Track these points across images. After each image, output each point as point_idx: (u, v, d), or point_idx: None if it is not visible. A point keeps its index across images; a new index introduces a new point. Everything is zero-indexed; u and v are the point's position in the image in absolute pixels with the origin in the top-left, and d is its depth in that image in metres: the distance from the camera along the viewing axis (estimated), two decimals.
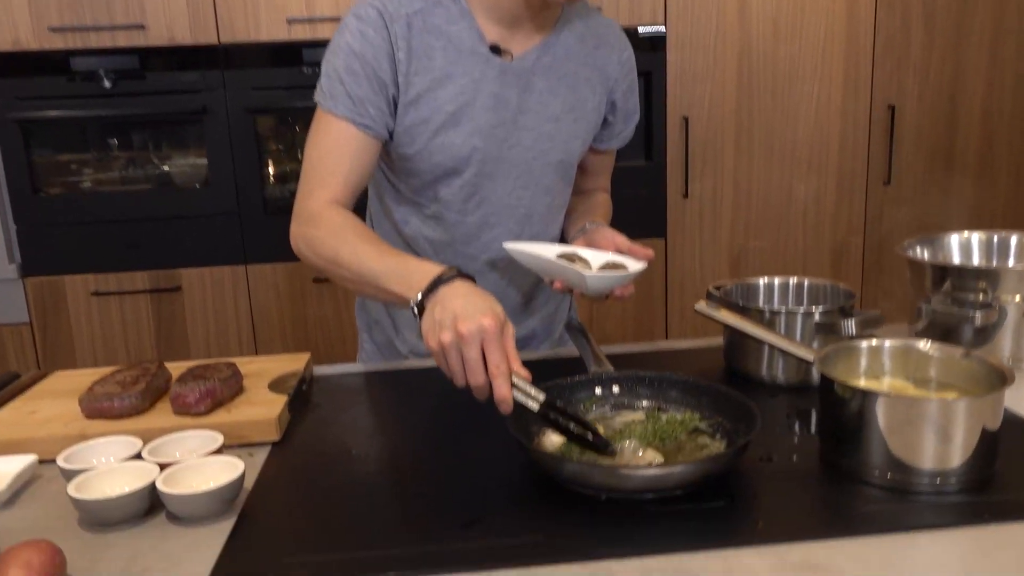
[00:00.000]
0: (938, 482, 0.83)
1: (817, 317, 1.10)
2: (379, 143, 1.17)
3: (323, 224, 1.10)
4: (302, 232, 1.13)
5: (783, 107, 2.62)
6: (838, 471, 0.88)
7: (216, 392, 1.04)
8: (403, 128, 1.17)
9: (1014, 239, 1.28)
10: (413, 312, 0.93)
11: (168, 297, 2.55)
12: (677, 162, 2.62)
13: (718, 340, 1.33)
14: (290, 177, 2.60)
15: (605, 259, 1.14)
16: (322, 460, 0.99)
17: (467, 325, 0.85)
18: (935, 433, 0.82)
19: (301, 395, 1.18)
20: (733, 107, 2.61)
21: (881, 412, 0.84)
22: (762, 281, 1.26)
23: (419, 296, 0.92)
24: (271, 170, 2.60)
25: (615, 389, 1.05)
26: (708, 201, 2.67)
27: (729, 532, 0.78)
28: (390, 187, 1.27)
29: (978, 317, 1.14)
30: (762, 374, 1.15)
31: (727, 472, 0.86)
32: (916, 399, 0.82)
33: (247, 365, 1.19)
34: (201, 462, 0.89)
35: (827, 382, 0.90)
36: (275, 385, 1.15)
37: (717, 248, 2.71)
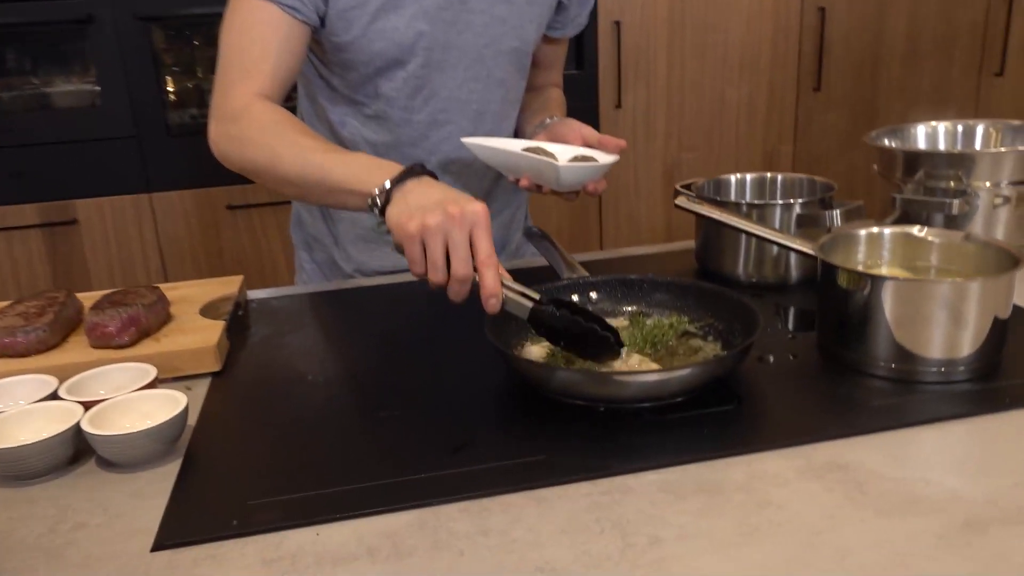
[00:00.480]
0: (944, 371, 0.79)
1: (798, 209, 1.04)
2: (308, 30, 1.02)
3: (252, 120, 0.95)
4: (225, 132, 0.98)
5: (715, 11, 2.54)
6: (841, 365, 0.83)
7: (140, 320, 0.90)
8: (336, 12, 1.02)
9: (980, 127, 1.24)
10: (374, 204, 0.81)
11: (63, 231, 2.31)
12: (609, 71, 2.52)
13: (687, 244, 1.26)
14: (193, 96, 2.36)
15: (573, 153, 1.04)
16: (274, 389, 0.87)
17: (456, 208, 0.75)
18: (947, 318, 0.77)
19: (238, 321, 1.05)
20: (666, 12, 2.51)
21: (889, 298, 0.78)
22: (734, 177, 1.19)
23: (387, 184, 0.81)
24: (171, 88, 2.36)
25: (593, 295, 0.96)
26: (641, 112, 2.59)
27: (746, 437, 0.71)
28: (323, 84, 1.12)
29: (955, 206, 1.10)
30: (739, 273, 1.09)
31: (729, 374, 0.79)
32: (928, 282, 0.77)
33: (171, 291, 1.05)
34: (132, 398, 0.76)
35: (830, 270, 0.83)
36: (207, 311, 1.01)
37: (651, 159, 2.64)
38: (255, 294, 1.16)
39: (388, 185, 0.80)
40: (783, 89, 2.66)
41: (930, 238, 0.89)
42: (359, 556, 0.59)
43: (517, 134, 1.22)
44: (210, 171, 2.40)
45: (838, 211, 1.01)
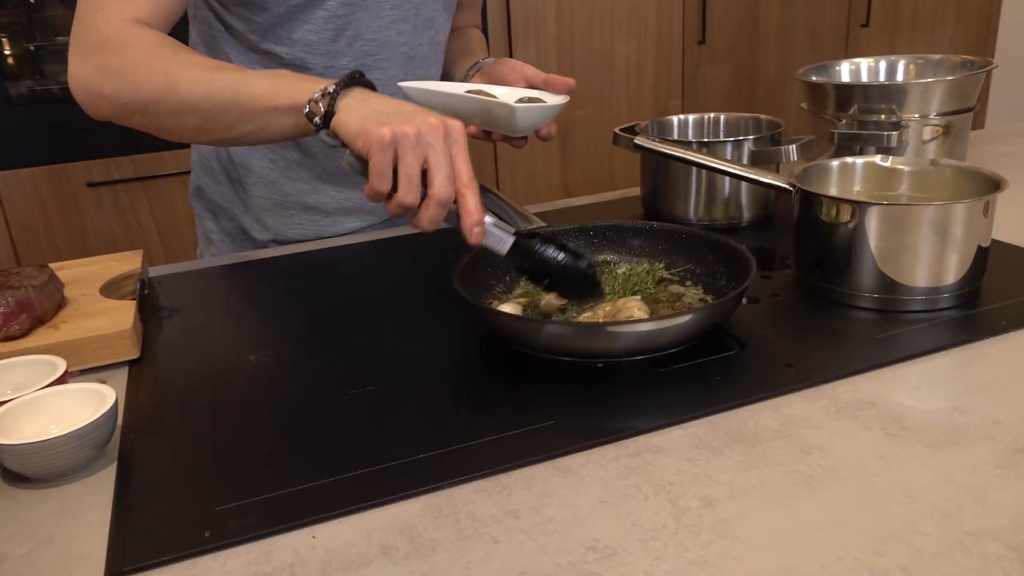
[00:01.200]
0: (929, 299, 0.77)
1: (751, 145, 1.00)
2: None
3: (134, 45, 0.79)
4: (98, 64, 0.80)
5: None
6: (825, 300, 0.80)
7: (33, 304, 0.74)
8: None
9: (901, 63, 1.25)
10: (313, 115, 0.71)
11: None
12: (499, 28, 2.43)
13: (630, 191, 1.20)
14: (34, 61, 2.08)
15: (519, 94, 0.95)
16: (211, 375, 0.74)
17: (436, 119, 0.66)
18: (935, 244, 0.74)
19: (146, 301, 0.90)
20: None
21: (875, 226, 0.75)
22: (676, 119, 1.14)
23: (330, 88, 0.71)
24: (7, 51, 2.07)
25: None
26: None
27: (762, 380, 0.66)
28: (225, 32, 0.97)
29: (893, 138, 1.10)
30: (689, 216, 1.05)
31: (727, 318, 0.74)
32: (916, 207, 0.74)
33: (61, 271, 0.89)
34: (41, 397, 0.62)
35: (811, 202, 0.79)
36: (108, 290, 0.86)
37: None
38: (156, 271, 1.01)
39: (332, 89, 0.70)
40: (670, 44, 2.67)
41: (899, 166, 0.87)
42: (373, 557, 0.49)
43: (444, 79, 1.12)
44: (65, 145, 2.16)
45: (793, 146, 0.98)
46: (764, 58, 2.80)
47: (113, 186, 2.13)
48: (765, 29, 2.77)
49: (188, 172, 1.13)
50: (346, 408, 0.66)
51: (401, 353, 0.75)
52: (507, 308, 0.78)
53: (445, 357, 0.74)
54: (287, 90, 0.73)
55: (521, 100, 0.94)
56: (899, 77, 1.26)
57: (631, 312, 0.73)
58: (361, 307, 0.87)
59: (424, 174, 0.66)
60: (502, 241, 0.69)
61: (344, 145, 0.70)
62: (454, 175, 0.65)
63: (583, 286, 0.73)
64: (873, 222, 0.75)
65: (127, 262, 0.94)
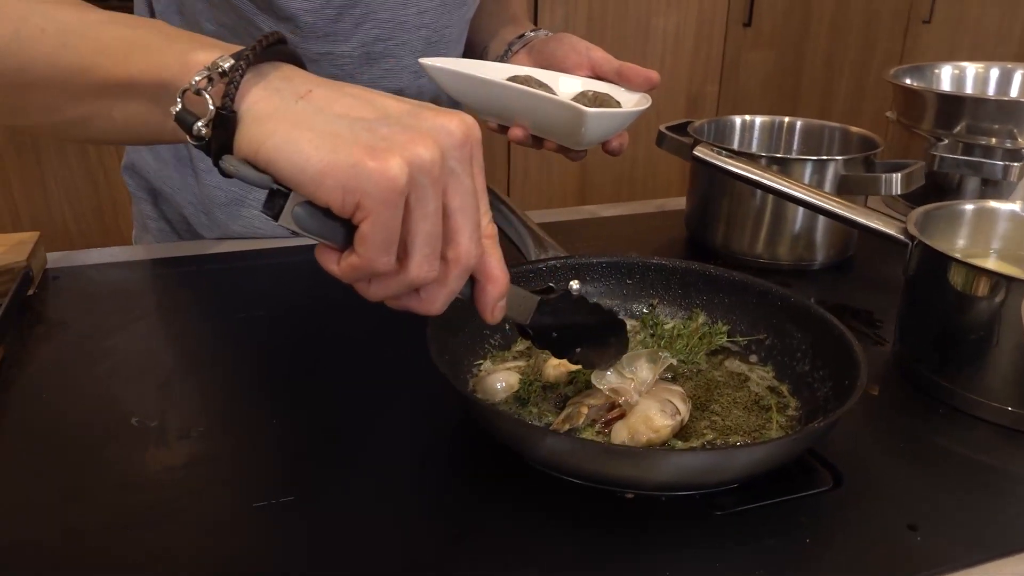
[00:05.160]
0: None
1: (840, 168, 0.77)
2: None
3: None
4: None
5: None
6: (947, 407, 0.57)
7: None
8: None
9: (1019, 73, 1.01)
10: (187, 119, 0.38)
11: None
12: None
13: (670, 201, 0.97)
14: None
15: (579, 88, 0.71)
16: (66, 446, 0.52)
17: (451, 121, 0.38)
18: None
19: (24, 305, 0.68)
20: None
21: None
22: (739, 120, 0.90)
23: (232, 62, 0.38)
24: None
25: (575, 286, 0.66)
26: None
27: (873, 548, 0.44)
28: (207, 7, 0.73)
29: (1011, 171, 0.87)
30: (745, 249, 0.82)
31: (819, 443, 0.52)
32: None
33: None
34: None
35: (935, 262, 0.57)
36: None
37: None
38: (60, 260, 0.79)
39: (230, 65, 0.38)
40: (712, 22, 2.40)
41: None
42: None
43: (468, 54, 0.87)
44: None
45: (897, 176, 0.75)
46: (812, 48, 2.54)
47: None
48: (818, 15, 2.51)
49: None
50: (250, 527, 0.44)
51: (344, 434, 0.53)
52: (501, 379, 0.56)
53: (408, 443, 0.52)
54: (148, 50, 0.41)
55: (583, 97, 0.70)
56: (1015, 91, 1.02)
57: (670, 405, 0.50)
58: (313, 342, 0.65)
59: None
60: (524, 309, 0.47)
61: (277, 184, 0.37)
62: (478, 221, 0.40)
63: (615, 352, 0.52)
64: None
65: (14, 250, 0.72)
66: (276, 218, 0.37)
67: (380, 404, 0.56)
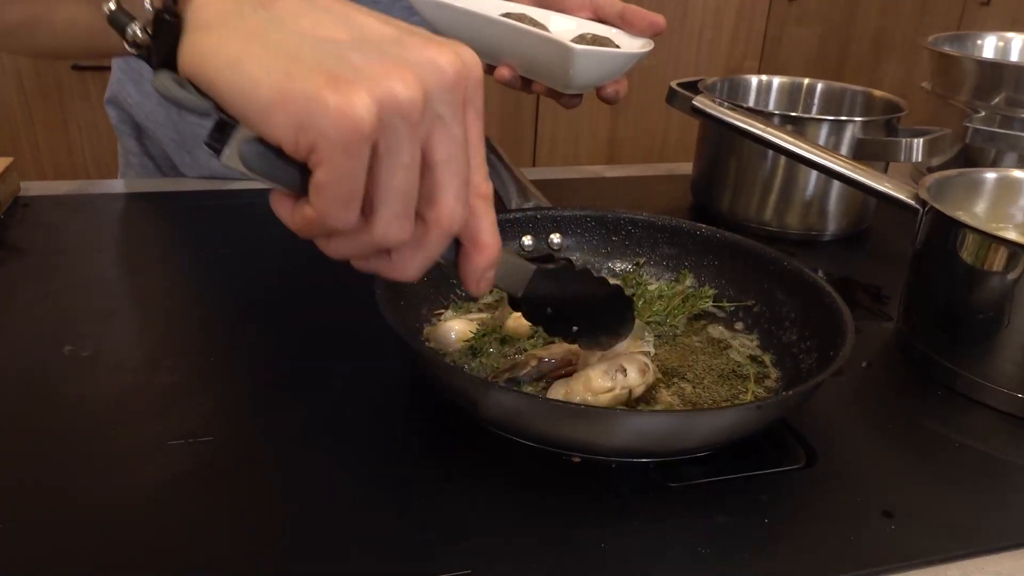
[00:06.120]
0: None
1: (857, 130, 0.71)
2: None
3: None
4: None
5: None
6: (947, 389, 0.52)
7: None
8: None
9: None
10: (120, 20, 0.34)
11: None
12: None
13: (680, 167, 0.92)
14: None
15: (578, 30, 0.66)
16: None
17: (441, 54, 0.31)
18: None
19: None
20: None
21: None
22: (755, 80, 0.84)
23: None
24: None
25: (556, 239, 0.62)
26: None
27: (843, 535, 0.39)
28: None
29: None
30: (751, 217, 0.76)
31: (792, 413, 0.47)
32: None
33: None
34: None
35: (947, 229, 0.51)
36: None
37: None
38: (33, 189, 0.76)
39: None
40: None
41: None
42: None
43: None
44: None
45: (919, 140, 0.69)
46: (861, 26, 2.44)
47: (101, 72, 1.88)
48: None
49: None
50: (161, 463, 0.41)
51: (291, 377, 0.50)
52: (455, 328, 0.52)
53: (361, 393, 0.49)
54: None
55: (581, 39, 0.65)
56: None
57: (620, 370, 0.45)
58: (276, 284, 0.61)
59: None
60: (517, 279, 0.41)
61: (221, 113, 0.31)
62: (468, 178, 0.33)
63: (618, 333, 0.47)
64: None
65: None
66: (219, 154, 0.31)
67: (337, 351, 0.53)
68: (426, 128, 0.31)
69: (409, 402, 0.48)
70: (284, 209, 0.32)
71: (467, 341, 0.50)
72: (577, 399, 0.44)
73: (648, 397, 0.47)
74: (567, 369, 0.46)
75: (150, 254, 0.67)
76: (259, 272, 0.63)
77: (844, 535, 0.39)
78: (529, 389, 0.46)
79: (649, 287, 0.58)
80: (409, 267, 0.33)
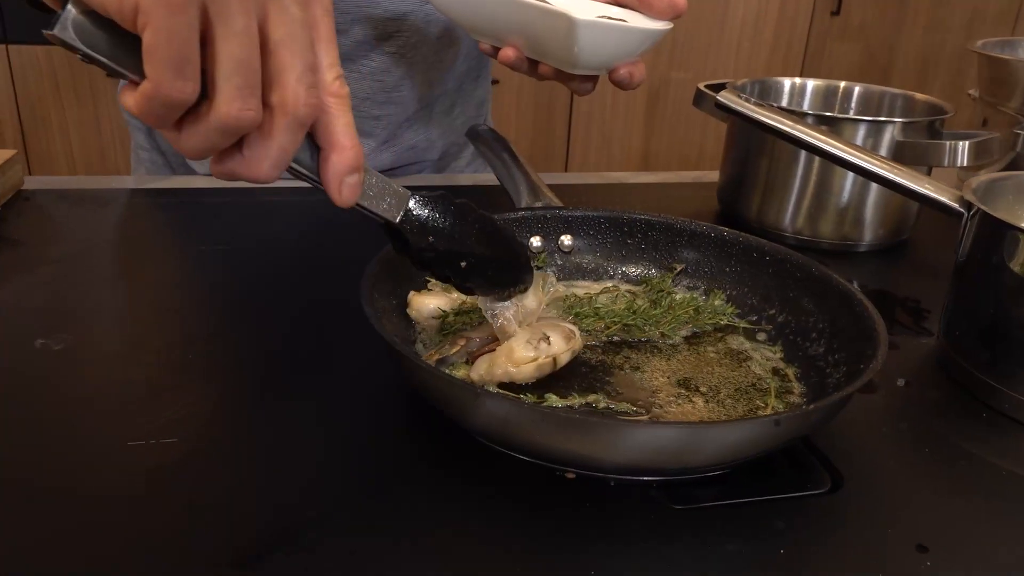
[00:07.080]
0: None
1: (897, 132, 0.66)
2: None
3: None
4: None
5: None
6: (992, 411, 0.47)
7: None
8: None
9: None
10: None
11: None
12: None
13: (707, 175, 0.88)
14: None
15: (593, 10, 0.63)
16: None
17: None
18: None
19: None
20: None
21: None
22: (788, 82, 0.80)
23: None
24: None
25: (567, 241, 0.58)
26: None
27: (869, 568, 0.34)
28: None
29: None
30: (784, 226, 0.72)
31: (818, 430, 0.42)
32: None
33: None
34: None
35: (996, 235, 0.46)
36: None
37: None
38: (38, 182, 0.74)
39: None
40: (796, 7, 2.26)
41: None
42: None
43: None
44: None
45: (964, 144, 0.64)
46: (907, 40, 2.37)
47: None
48: (915, 7, 2.34)
49: None
50: (122, 466, 0.38)
51: (272, 368, 0.46)
52: (434, 301, 0.48)
53: (347, 393, 0.45)
54: None
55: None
56: None
57: (543, 339, 0.41)
58: (268, 278, 0.58)
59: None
60: (391, 202, 0.38)
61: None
62: (316, 67, 0.33)
63: (516, 276, 0.44)
64: None
65: None
66: (53, 29, 0.30)
67: (327, 354, 0.49)
68: (259, 2, 0.31)
69: (395, 409, 0.45)
70: (129, 97, 0.31)
71: (437, 318, 0.46)
72: (499, 372, 0.42)
73: (654, 411, 0.42)
74: (492, 346, 0.43)
75: (144, 250, 0.65)
76: (249, 265, 0.60)
77: (871, 570, 0.34)
78: (461, 373, 0.43)
79: (675, 296, 0.54)
80: (263, 161, 0.32)
